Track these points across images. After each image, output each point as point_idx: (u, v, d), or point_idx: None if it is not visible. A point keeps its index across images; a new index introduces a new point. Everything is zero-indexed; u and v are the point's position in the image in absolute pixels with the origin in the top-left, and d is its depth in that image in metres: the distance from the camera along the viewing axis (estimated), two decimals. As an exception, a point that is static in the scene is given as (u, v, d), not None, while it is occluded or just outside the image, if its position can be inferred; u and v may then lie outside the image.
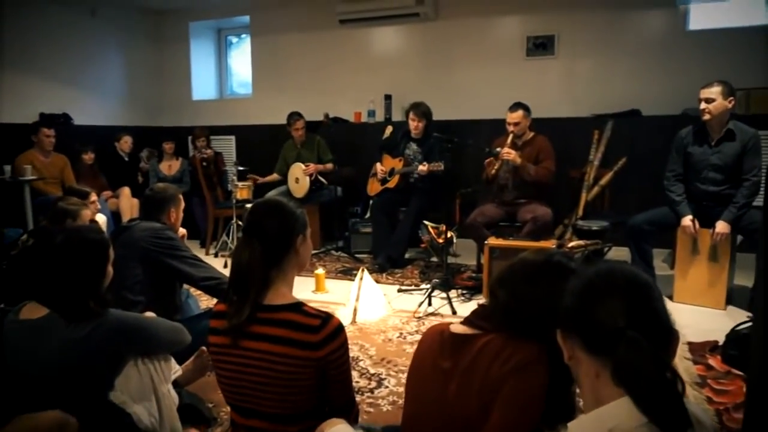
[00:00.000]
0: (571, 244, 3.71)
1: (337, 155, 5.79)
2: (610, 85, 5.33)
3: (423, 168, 4.70)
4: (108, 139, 6.06)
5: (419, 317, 3.59)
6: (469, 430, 1.30)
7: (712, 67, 4.66)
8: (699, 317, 3.47)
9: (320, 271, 4.31)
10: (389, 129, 5.68)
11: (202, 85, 7.28)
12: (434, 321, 3.49)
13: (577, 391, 1.12)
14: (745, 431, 1.76)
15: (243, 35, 7.31)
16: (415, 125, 4.98)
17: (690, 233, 3.64)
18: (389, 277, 4.56)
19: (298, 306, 1.55)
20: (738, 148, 3.55)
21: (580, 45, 5.44)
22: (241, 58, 7.43)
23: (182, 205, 2.84)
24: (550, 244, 3.64)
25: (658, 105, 5.08)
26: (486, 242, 3.82)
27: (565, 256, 1.48)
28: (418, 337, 2.65)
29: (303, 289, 4.18)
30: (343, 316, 3.51)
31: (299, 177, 5.57)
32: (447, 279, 3.98)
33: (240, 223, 5.07)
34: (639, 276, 1.00)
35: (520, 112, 4.31)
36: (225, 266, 4.67)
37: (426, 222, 4.39)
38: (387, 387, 2.63)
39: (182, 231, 2.94)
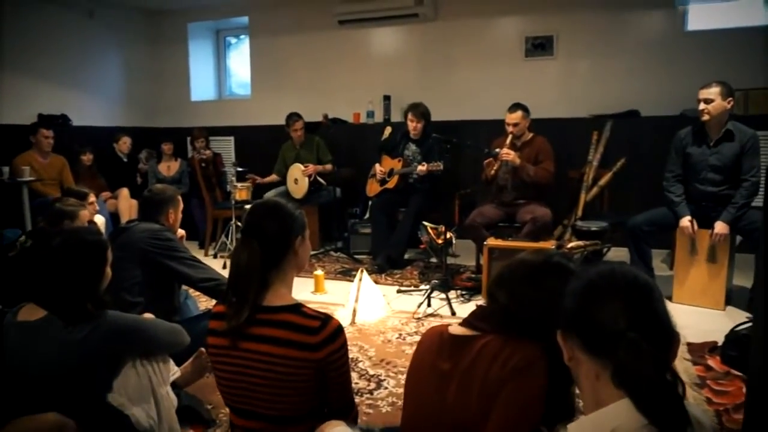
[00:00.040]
0: (570, 245, 3.71)
1: (336, 156, 5.79)
2: (608, 86, 5.33)
3: (422, 168, 4.70)
4: (107, 140, 6.06)
5: (418, 318, 3.59)
6: (468, 432, 1.30)
7: (711, 67, 4.66)
8: (698, 318, 3.47)
9: (319, 272, 4.31)
10: (388, 130, 5.69)
11: (201, 86, 7.27)
12: (433, 322, 3.49)
13: (577, 392, 1.11)
14: (745, 432, 1.76)
15: (242, 36, 7.30)
16: (413, 126, 4.98)
17: (688, 234, 3.64)
18: (388, 278, 4.56)
19: (298, 307, 1.54)
20: (737, 148, 3.55)
21: (578, 45, 5.44)
22: (239, 58, 7.42)
23: (181, 206, 2.84)
24: (550, 244, 3.63)
25: (656, 105, 5.08)
26: (485, 243, 3.82)
27: (564, 256, 1.48)
28: (418, 338, 2.64)
29: (302, 289, 4.17)
30: (343, 317, 3.51)
31: (298, 178, 5.57)
32: (446, 280, 3.98)
33: (239, 224, 5.07)
34: (640, 277, 1.00)
35: (519, 113, 4.31)
36: (224, 267, 4.67)
37: (425, 223, 4.39)
38: (386, 388, 2.63)
39: (181, 232, 2.93)
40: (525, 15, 5.60)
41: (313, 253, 5.27)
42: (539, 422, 1.28)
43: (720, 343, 2.91)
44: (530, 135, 4.43)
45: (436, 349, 1.42)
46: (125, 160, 6.09)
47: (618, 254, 4.43)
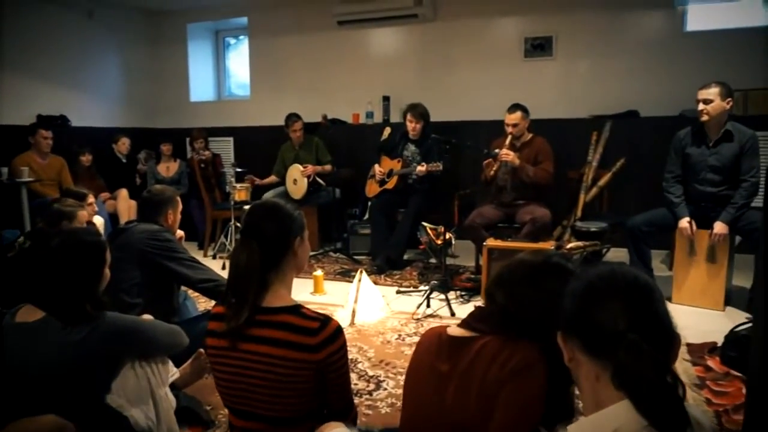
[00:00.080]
0: (569, 246, 3.70)
1: (335, 156, 5.79)
2: (608, 86, 5.34)
3: (421, 169, 4.70)
4: (105, 140, 6.05)
5: (418, 319, 3.58)
6: (467, 433, 1.30)
7: (710, 68, 4.67)
8: (697, 318, 3.46)
9: (319, 272, 4.30)
10: (387, 130, 5.68)
11: (200, 86, 7.27)
12: (433, 322, 3.49)
13: (577, 393, 1.11)
14: (745, 433, 1.76)
15: (241, 37, 7.30)
16: (412, 126, 4.98)
17: (687, 235, 3.64)
18: (388, 279, 4.56)
19: (297, 308, 1.54)
20: (736, 149, 3.55)
21: (578, 46, 5.44)
22: (239, 59, 7.42)
23: (180, 207, 2.83)
24: (549, 245, 3.63)
25: (656, 106, 5.08)
26: (484, 243, 3.81)
27: (563, 257, 1.48)
28: (417, 338, 2.64)
29: (301, 290, 4.17)
30: (342, 317, 3.51)
31: (297, 178, 5.56)
32: (445, 280, 3.98)
33: (238, 224, 5.07)
34: (640, 278, 0.99)
35: (518, 114, 4.31)
36: (223, 268, 4.67)
37: (424, 223, 4.38)
38: (385, 389, 2.63)
39: (180, 233, 2.92)
40: (524, 15, 5.60)
41: (312, 253, 5.26)
42: (539, 423, 1.27)
43: (719, 344, 2.91)
44: (529, 135, 4.43)
45: (435, 351, 1.42)
46: (124, 160, 6.08)
47: (617, 255, 4.43)
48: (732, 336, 2.81)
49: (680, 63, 5.05)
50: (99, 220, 3.99)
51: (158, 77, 7.21)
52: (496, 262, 3.67)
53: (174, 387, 2.08)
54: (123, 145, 6.04)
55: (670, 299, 3.73)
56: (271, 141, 6.04)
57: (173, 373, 2.06)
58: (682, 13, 5.14)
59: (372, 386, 2.66)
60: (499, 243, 3.83)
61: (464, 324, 1.42)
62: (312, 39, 6.43)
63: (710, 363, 2.80)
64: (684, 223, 3.63)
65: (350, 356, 2.90)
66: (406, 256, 5.10)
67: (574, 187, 4.88)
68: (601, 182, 4.75)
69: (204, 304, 3.56)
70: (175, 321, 2.41)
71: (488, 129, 5.11)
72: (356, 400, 2.27)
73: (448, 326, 1.46)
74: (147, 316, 2.19)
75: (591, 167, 4.83)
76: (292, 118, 5.65)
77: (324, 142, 5.79)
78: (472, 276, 4.46)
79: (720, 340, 2.91)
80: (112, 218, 5.27)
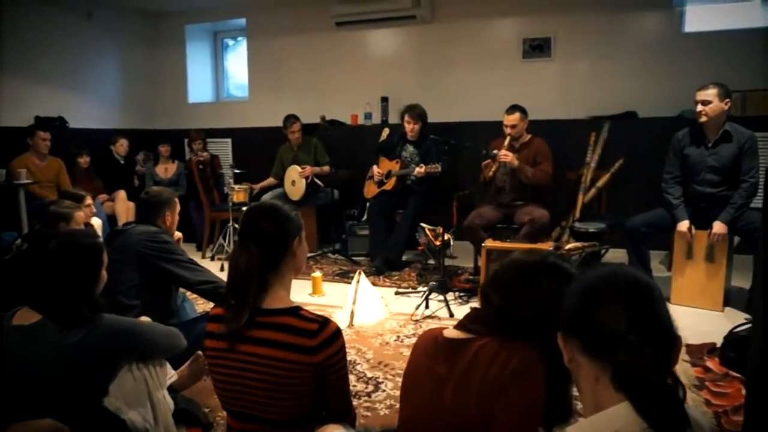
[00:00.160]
0: (568, 246, 3.70)
1: (333, 158, 5.79)
2: (606, 87, 5.34)
3: (420, 170, 4.69)
4: (104, 142, 6.04)
5: (416, 320, 3.58)
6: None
7: (709, 69, 4.67)
8: (696, 319, 3.46)
9: (317, 274, 4.30)
10: (386, 131, 5.67)
11: (199, 87, 7.26)
12: (432, 324, 3.48)
13: (576, 394, 1.10)
14: (745, 434, 1.76)
15: (239, 38, 7.30)
16: (410, 128, 4.98)
17: (686, 239, 3.64)
18: (386, 280, 4.55)
19: (296, 310, 1.54)
20: (735, 149, 3.55)
21: (576, 47, 5.44)
22: (237, 60, 7.42)
23: (178, 208, 2.83)
24: (548, 246, 3.63)
25: (654, 107, 5.09)
26: (483, 244, 3.81)
27: (559, 256, 1.47)
28: (416, 339, 2.64)
29: (300, 292, 4.16)
30: (340, 319, 3.50)
31: (296, 179, 5.56)
32: (444, 281, 3.98)
33: (236, 226, 5.06)
34: (642, 279, 0.99)
35: (517, 115, 4.31)
36: (221, 269, 4.66)
37: (423, 224, 4.38)
38: (384, 390, 2.62)
39: (178, 234, 2.92)
40: (522, 16, 5.60)
41: (310, 255, 5.26)
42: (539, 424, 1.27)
43: (719, 345, 2.90)
44: (528, 136, 4.44)
45: (432, 353, 1.41)
46: (122, 162, 6.07)
47: (616, 255, 4.43)
48: (731, 337, 2.80)
49: (679, 64, 5.05)
50: (97, 222, 3.98)
51: (156, 78, 7.20)
52: (494, 263, 3.66)
53: (172, 389, 2.08)
54: (121, 146, 6.03)
55: (668, 300, 3.73)
56: (270, 142, 6.03)
57: (171, 375, 2.05)
58: (680, 14, 5.15)
59: (371, 388, 2.65)
60: (497, 244, 3.83)
61: (460, 326, 1.42)
62: (310, 40, 6.42)
63: (709, 364, 2.80)
64: (682, 227, 3.63)
65: (349, 358, 2.90)
66: (404, 257, 5.10)
67: (572, 188, 4.87)
68: (600, 183, 4.74)
69: (202, 306, 3.55)
70: (173, 323, 2.40)
71: (487, 130, 5.10)
72: (355, 402, 2.26)
73: (445, 328, 1.46)
74: (145, 318, 2.18)
75: (589, 168, 4.83)
76: (291, 119, 5.65)
77: (322, 143, 5.79)
78: (471, 277, 4.46)
79: (719, 341, 2.90)
80: (111, 220, 5.26)
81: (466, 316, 1.44)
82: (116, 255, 2.36)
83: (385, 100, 6.07)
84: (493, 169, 4.31)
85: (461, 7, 5.77)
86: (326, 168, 5.66)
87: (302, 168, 5.49)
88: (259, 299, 1.53)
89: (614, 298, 0.96)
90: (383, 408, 2.46)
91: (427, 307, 3.70)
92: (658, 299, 0.97)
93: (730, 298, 3.71)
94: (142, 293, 2.55)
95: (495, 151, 4.27)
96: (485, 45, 5.75)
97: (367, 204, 5.31)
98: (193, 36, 7.15)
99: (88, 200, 3.60)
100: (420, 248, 4.73)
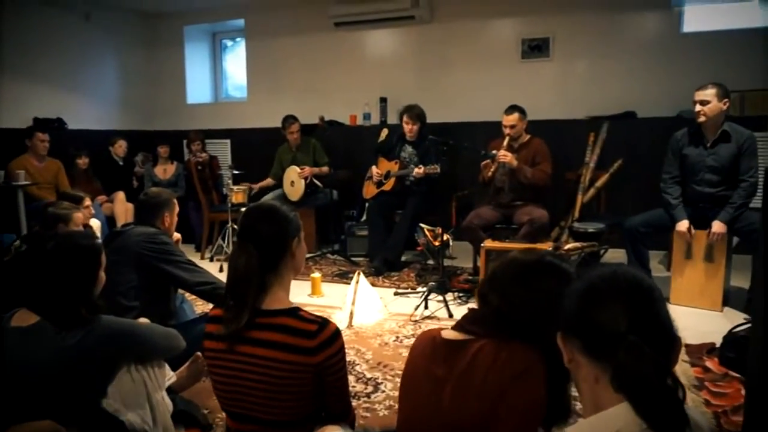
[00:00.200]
0: (567, 247, 3.70)
1: (332, 158, 5.79)
2: (605, 87, 5.34)
3: (419, 171, 4.69)
4: (102, 143, 6.03)
5: (416, 320, 3.57)
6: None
7: (707, 69, 4.67)
8: (696, 319, 3.46)
9: (316, 274, 4.30)
10: (385, 132, 5.68)
11: (197, 88, 7.26)
12: (431, 324, 3.48)
13: (575, 394, 1.10)
14: (744, 434, 1.76)
15: (238, 39, 7.29)
16: (409, 128, 4.98)
17: (686, 239, 3.64)
18: (385, 281, 4.55)
19: (295, 311, 1.54)
20: (733, 149, 3.55)
21: (575, 47, 5.44)
22: (236, 61, 7.41)
23: (176, 209, 2.82)
24: (547, 246, 3.62)
25: (653, 107, 5.09)
26: (482, 245, 3.81)
27: (557, 256, 1.46)
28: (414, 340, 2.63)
29: (299, 292, 4.15)
30: (339, 320, 3.50)
31: (294, 180, 5.56)
32: (443, 282, 3.97)
33: (235, 227, 5.05)
34: (642, 280, 0.98)
35: (515, 115, 4.31)
36: (220, 270, 4.66)
37: (422, 225, 4.38)
38: (383, 391, 2.62)
39: (177, 236, 2.92)
40: (521, 17, 5.61)
41: (310, 255, 5.26)
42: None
43: (718, 345, 2.90)
44: (527, 137, 4.44)
45: (430, 354, 1.40)
46: (121, 163, 6.07)
47: (615, 256, 4.43)
48: (730, 337, 2.80)
49: (677, 64, 5.05)
50: (96, 223, 3.98)
51: (155, 80, 7.19)
52: (493, 263, 3.66)
53: (171, 391, 2.08)
54: (120, 147, 6.02)
55: (668, 300, 3.73)
56: (268, 143, 6.03)
57: (170, 376, 2.05)
58: (679, 14, 5.15)
59: (370, 388, 2.65)
60: (496, 244, 3.82)
61: (458, 327, 1.41)
62: (309, 41, 6.42)
63: (709, 364, 2.80)
64: (683, 227, 3.63)
65: (348, 358, 2.89)
66: (403, 258, 5.09)
67: (571, 188, 4.87)
68: (599, 183, 4.74)
69: (201, 307, 3.55)
70: (172, 324, 2.40)
71: (486, 130, 5.10)
72: (354, 403, 2.25)
73: (443, 329, 1.45)
74: (143, 320, 2.18)
75: (588, 168, 4.83)
76: (289, 119, 5.64)
77: (321, 144, 5.78)
78: (470, 277, 4.45)
79: (718, 341, 2.90)
80: (109, 221, 5.25)
81: (464, 317, 1.43)
82: (115, 256, 2.36)
83: (383, 100, 6.07)
84: (492, 170, 4.31)
85: (460, 8, 5.78)
86: (325, 168, 5.66)
87: (301, 169, 5.49)
88: (259, 300, 1.52)
89: (614, 298, 0.96)
90: (382, 409, 2.45)
91: (426, 307, 3.70)
92: (658, 299, 0.97)
93: (729, 298, 3.72)
94: (141, 294, 2.54)
95: (494, 152, 4.27)
96: (484, 45, 5.75)
97: (366, 204, 5.30)
98: (192, 37, 7.15)
99: (87, 201, 3.60)
100: (419, 249, 4.74)
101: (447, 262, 4.43)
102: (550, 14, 5.47)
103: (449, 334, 1.41)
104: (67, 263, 1.76)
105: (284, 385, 1.47)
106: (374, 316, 3.60)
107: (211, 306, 2.25)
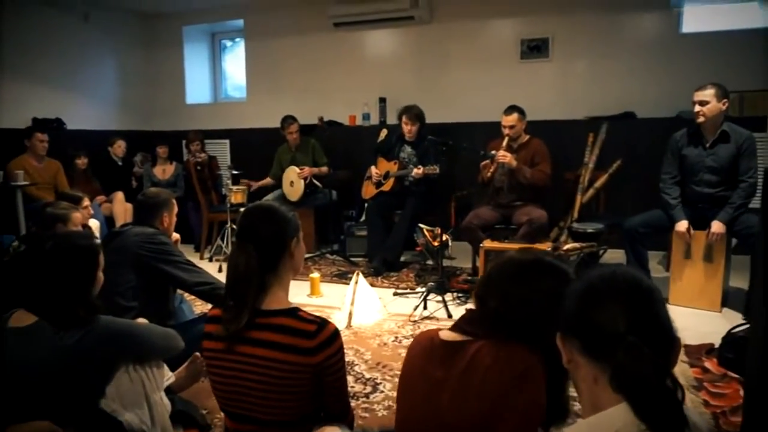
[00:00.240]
0: (566, 247, 3.70)
1: (331, 158, 5.78)
2: (604, 88, 5.34)
3: (418, 171, 4.70)
4: (101, 143, 6.03)
5: (415, 321, 3.57)
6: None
7: (706, 69, 4.67)
8: (695, 319, 3.46)
9: (315, 274, 4.29)
10: (384, 132, 5.68)
11: (196, 89, 7.25)
12: (430, 324, 3.48)
13: (574, 394, 1.10)
14: (743, 435, 1.76)
15: (237, 39, 7.30)
16: (408, 129, 4.98)
17: (685, 240, 3.64)
18: (384, 281, 4.55)
19: (294, 311, 1.53)
20: (733, 149, 3.55)
21: (574, 47, 5.45)
22: (235, 61, 7.41)
23: (175, 209, 2.82)
24: (546, 246, 3.63)
25: (652, 107, 5.09)
26: (481, 245, 3.81)
27: (554, 256, 1.46)
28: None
29: (298, 293, 4.15)
30: (339, 320, 3.50)
31: (294, 180, 5.55)
32: (442, 282, 3.97)
33: (234, 227, 5.05)
34: (642, 281, 0.98)
35: (515, 115, 4.31)
36: (219, 271, 4.66)
37: (421, 225, 4.38)
38: (382, 392, 2.62)
39: (176, 236, 2.91)
40: (520, 17, 5.61)
41: (309, 255, 5.26)
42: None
43: (717, 345, 2.90)
44: (526, 137, 4.44)
45: (428, 355, 1.40)
46: (120, 163, 6.06)
47: (614, 256, 4.43)
48: (729, 337, 2.80)
49: (676, 64, 5.06)
50: (95, 223, 3.98)
51: (154, 80, 7.19)
52: (492, 263, 3.66)
53: (169, 391, 2.07)
54: (119, 147, 6.02)
55: (667, 300, 3.72)
56: (268, 143, 6.03)
57: (168, 377, 2.05)
58: (678, 15, 5.15)
59: (369, 389, 2.65)
60: (496, 244, 3.83)
61: (456, 327, 1.40)
62: (308, 41, 6.42)
63: (707, 364, 2.80)
64: (682, 227, 3.63)
65: (347, 359, 2.90)
66: (402, 258, 5.09)
67: (570, 188, 4.87)
68: (598, 183, 4.74)
69: (200, 307, 3.54)
70: (170, 324, 2.40)
71: (485, 131, 5.10)
72: (353, 403, 2.25)
73: (440, 330, 1.45)
74: (142, 320, 2.18)
75: (587, 168, 4.83)
76: (288, 120, 5.64)
77: (320, 144, 5.78)
78: (469, 277, 4.45)
79: (717, 342, 2.90)
80: (108, 221, 5.25)
81: (462, 318, 1.43)
82: (114, 256, 2.35)
83: (383, 100, 6.07)
84: (491, 170, 4.31)
85: (459, 8, 5.78)
86: (324, 169, 5.66)
87: (300, 169, 5.49)
88: (258, 300, 1.52)
89: (613, 298, 0.95)
90: (381, 409, 2.45)
91: (425, 307, 3.70)
92: (657, 300, 0.97)
93: (728, 299, 3.72)
94: (140, 295, 2.54)
95: (493, 152, 4.27)
96: (483, 46, 5.75)
97: (366, 205, 5.30)
98: (191, 37, 7.15)
99: (86, 202, 3.59)
100: (418, 249, 4.74)
101: (446, 263, 4.43)
102: (549, 14, 5.48)
103: (447, 335, 1.41)
104: (65, 263, 1.76)
105: (283, 386, 1.47)
106: (373, 316, 3.60)
107: (210, 306, 2.25)
